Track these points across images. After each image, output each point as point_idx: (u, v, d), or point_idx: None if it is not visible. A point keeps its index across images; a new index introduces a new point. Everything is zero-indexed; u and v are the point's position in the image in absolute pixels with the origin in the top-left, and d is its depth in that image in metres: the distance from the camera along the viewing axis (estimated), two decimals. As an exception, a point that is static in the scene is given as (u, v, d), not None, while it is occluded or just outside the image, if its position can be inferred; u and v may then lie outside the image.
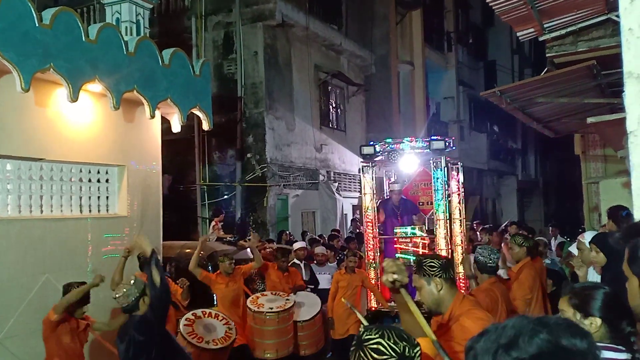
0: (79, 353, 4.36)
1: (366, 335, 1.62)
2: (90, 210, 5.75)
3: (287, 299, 6.08)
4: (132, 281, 3.54)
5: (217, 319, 5.53)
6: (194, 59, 8.30)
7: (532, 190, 26.46)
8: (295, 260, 7.31)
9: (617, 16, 5.17)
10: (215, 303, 6.15)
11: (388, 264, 2.08)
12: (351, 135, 15.08)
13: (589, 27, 5.45)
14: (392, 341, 1.59)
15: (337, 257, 8.10)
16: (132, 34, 5.88)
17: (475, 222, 12.39)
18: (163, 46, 6.00)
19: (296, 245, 7.62)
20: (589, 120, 5.00)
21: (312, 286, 7.07)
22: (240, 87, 11.68)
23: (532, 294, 4.85)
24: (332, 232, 10.34)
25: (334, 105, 14.68)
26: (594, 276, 3.81)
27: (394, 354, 1.58)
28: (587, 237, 3.97)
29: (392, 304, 7.05)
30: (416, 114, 17.77)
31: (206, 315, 5.52)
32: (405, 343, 1.61)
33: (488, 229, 9.08)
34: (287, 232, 10.49)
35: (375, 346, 1.58)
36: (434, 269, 2.41)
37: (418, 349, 1.64)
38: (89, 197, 5.75)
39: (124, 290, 3.47)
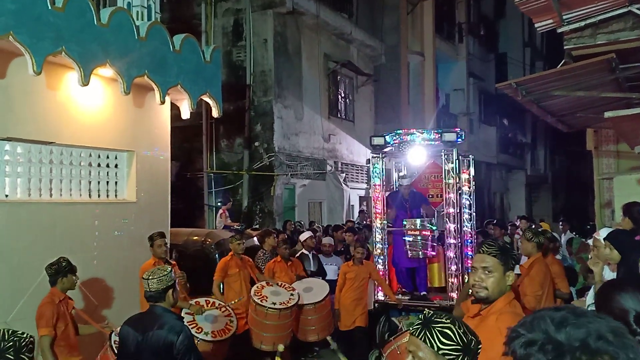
0: (74, 332, 4.34)
1: (437, 318, 1.60)
2: (99, 195, 5.74)
3: (292, 295, 6.03)
4: (169, 269, 3.26)
5: (220, 310, 5.51)
6: (203, 46, 8.23)
7: (540, 185, 26.31)
8: (304, 251, 7.29)
9: (639, 9, 5.06)
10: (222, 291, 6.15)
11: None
12: (359, 125, 14.99)
13: (609, 20, 5.33)
14: (462, 330, 1.58)
15: (341, 249, 8.10)
16: (143, 18, 5.82)
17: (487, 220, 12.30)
18: (172, 32, 5.94)
19: (303, 236, 7.58)
20: (607, 114, 4.90)
21: (320, 277, 7.04)
22: (249, 74, 11.61)
23: (542, 290, 4.80)
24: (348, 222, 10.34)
25: (342, 95, 14.58)
26: (608, 273, 3.76)
27: (460, 343, 1.56)
28: (602, 233, 3.91)
29: (399, 296, 7.03)
30: (425, 106, 17.64)
31: (209, 305, 5.50)
32: (472, 337, 1.59)
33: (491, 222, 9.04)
34: (292, 222, 10.48)
35: (444, 330, 1.57)
36: (514, 264, 2.37)
37: (481, 346, 1.62)
38: (98, 182, 5.75)
39: (160, 274, 3.16)
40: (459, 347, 1.56)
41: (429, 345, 1.56)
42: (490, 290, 2.31)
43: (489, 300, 2.32)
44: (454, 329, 1.57)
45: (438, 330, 1.57)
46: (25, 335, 2.17)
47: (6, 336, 2.12)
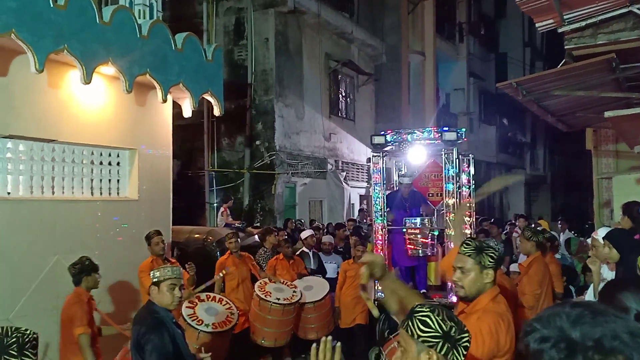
0: (97, 333, 4.35)
1: (418, 307, 1.66)
2: (101, 193, 5.75)
3: (294, 292, 6.08)
4: (173, 267, 3.25)
5: (221, 304, 5.56)
6: (205, 45, 8.24)
7: (539, 184, 26.35)
8: (304, 249, 7.32)
9: (639, 9, 5.08)
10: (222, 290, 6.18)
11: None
12: (360, 124, 15.01)
13: (609, 20, 5.35)
14: (440, 318, 1.61)
15: (341, 247, 8.11)
16: (145, 17, 5.83)
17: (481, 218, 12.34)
18: (174, 30, 5.95)
19: (304, 234, 7.61)
20: (607, 114, 4.92)
21: (320, 275, 7.07)
22: (251, 73, 11.63)
23: (541, 288, 4.82)
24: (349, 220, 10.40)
25: (343, 94, 14.60)
26: (607, 272, 3.78)
27: (439, 330, 1.60)
28: (600, 233, 3.94)
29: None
30: (426, 105, 17.67)
31: (210, 299, 5.54)
32: (453, 324, 1.62)
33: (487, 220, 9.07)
34: (293, 220, 10.50)
35: (423, 318, 1.61)
36: (493, 262, 2.36)
37: (466, 335, 1.64)
38: (100, 180, 5.76)
39: (161, 269, 3.18)
40: (438, 334, 1.59)
41: (409, 334, 1.61)
42: (467, 289, 2.37)
43: (468, 298, 2.38)
44: (433, 317, 1.61)
45: (418, 319, 1.61)
46: (28, 332, 2.14)
47: (9, 333, 2.10)
